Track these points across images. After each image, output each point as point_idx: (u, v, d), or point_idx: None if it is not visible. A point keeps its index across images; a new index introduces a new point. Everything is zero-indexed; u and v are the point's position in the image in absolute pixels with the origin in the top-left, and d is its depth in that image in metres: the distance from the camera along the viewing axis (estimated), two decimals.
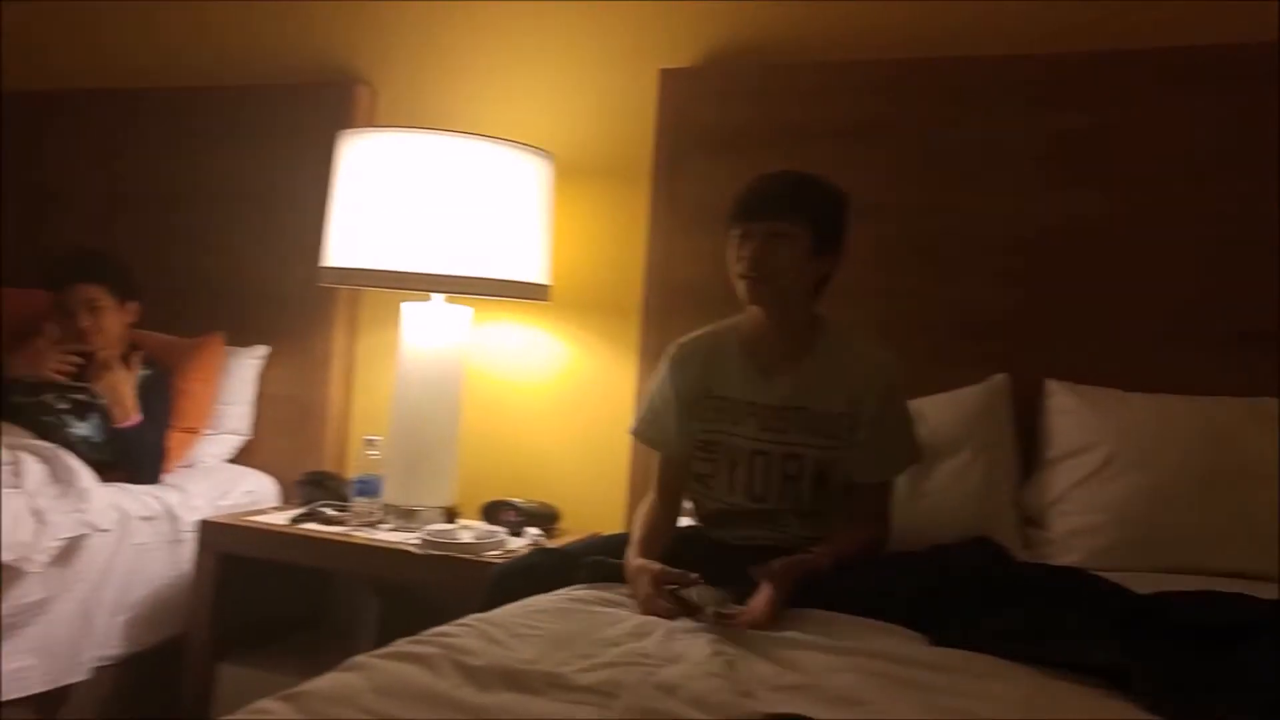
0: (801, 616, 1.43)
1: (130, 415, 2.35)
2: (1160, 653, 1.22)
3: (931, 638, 1.34)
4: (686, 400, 1.75)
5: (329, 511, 2.29)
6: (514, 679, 1.13)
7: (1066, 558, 1.79)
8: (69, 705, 2.13)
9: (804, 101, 2.28)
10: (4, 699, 1.96)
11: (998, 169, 2.14)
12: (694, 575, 1.48)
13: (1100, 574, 1.52)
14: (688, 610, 1.42)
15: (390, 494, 2.24)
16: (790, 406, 1.68)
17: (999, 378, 2.02)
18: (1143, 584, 1.49)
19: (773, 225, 1.63)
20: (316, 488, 2.43)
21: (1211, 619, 1.34)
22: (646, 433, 1.81)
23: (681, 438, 1.75)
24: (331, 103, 2.68)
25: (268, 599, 2.39)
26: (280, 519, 2.29)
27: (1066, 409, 1.97)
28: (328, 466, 2.61)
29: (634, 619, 1.39)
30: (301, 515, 2.29)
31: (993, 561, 1.63)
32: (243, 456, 2.69)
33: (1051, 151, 2.10)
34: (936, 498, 1.88)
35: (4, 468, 2.09)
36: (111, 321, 2.43)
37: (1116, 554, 1.78)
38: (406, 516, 2.22)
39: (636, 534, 1.66)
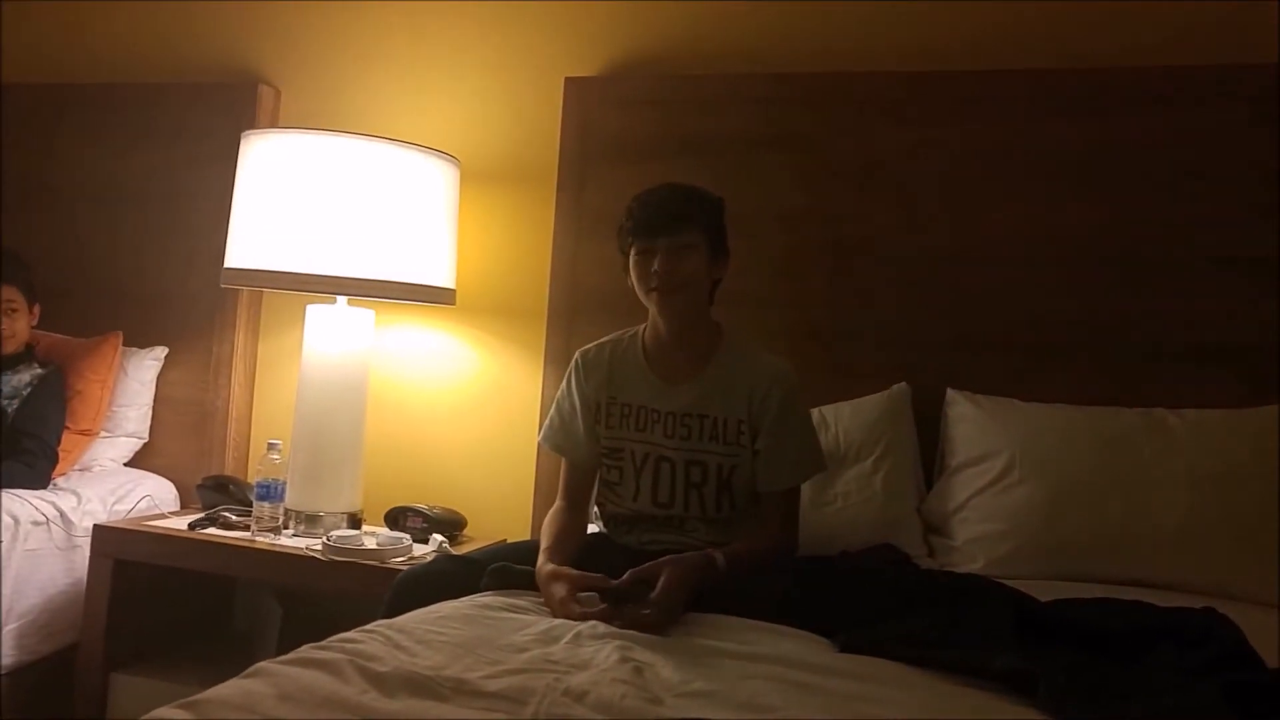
0: (707, 621, 1.45)
1: None
2: (1062, 659, 1.24)
3: (837, 643, 1.37)
4: (592, 407, 1.79)
5: (230, 516, 2.27)
6: (420, 685, 1.15)
7: (969, 565, 1.85)
8: None
9: (707, 112, 2.34)
10: None
11: (900, 180, 2.20)
12: (605, 579, 1.52)
13: (1001, 581, 1.57)
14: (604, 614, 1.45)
15: (293, 499, 2.23)
16: (693, 414, 1.73)
17: (900, 386, 2.07)
18: (1043, 591, 1.53)
19: (676, 238, 1.68)
20: (217, 492, 2.40)
21: (1112, 625, 1.37)
22: (553, 439, 1.85)
23: (588, 444, 1.80)
24: (234, 103, 2.65)
25: (166, 606, 2.34)
26: (179, 524, 2.26)
27: (966, 417, 2.02)
28: (229, 471, 2.58)
29: (540, 625, 1.42)
30: (201, 520, 2.26)
31: (896, 568, 1.70)
32: (140, 460, 2.63)
33: (954, 164, 2.17)
34: (841, 504, 1.93)
35: None
36: (22, 325, 2.41)
37: (1016, 562, 1.83)
38: (310, 522, 2.22)
39: (546, 540, 1.69)
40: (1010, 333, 2.12)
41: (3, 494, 2.19)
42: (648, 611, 1.44)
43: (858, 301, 2.22)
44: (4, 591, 2.13)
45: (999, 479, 1.92)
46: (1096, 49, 2.14)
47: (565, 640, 1.37)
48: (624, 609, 1.45)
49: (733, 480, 1.72)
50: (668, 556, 1.55)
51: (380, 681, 1.16)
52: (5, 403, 2.37)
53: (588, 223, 2.38)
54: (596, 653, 1.30)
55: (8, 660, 2.16)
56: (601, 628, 1.41)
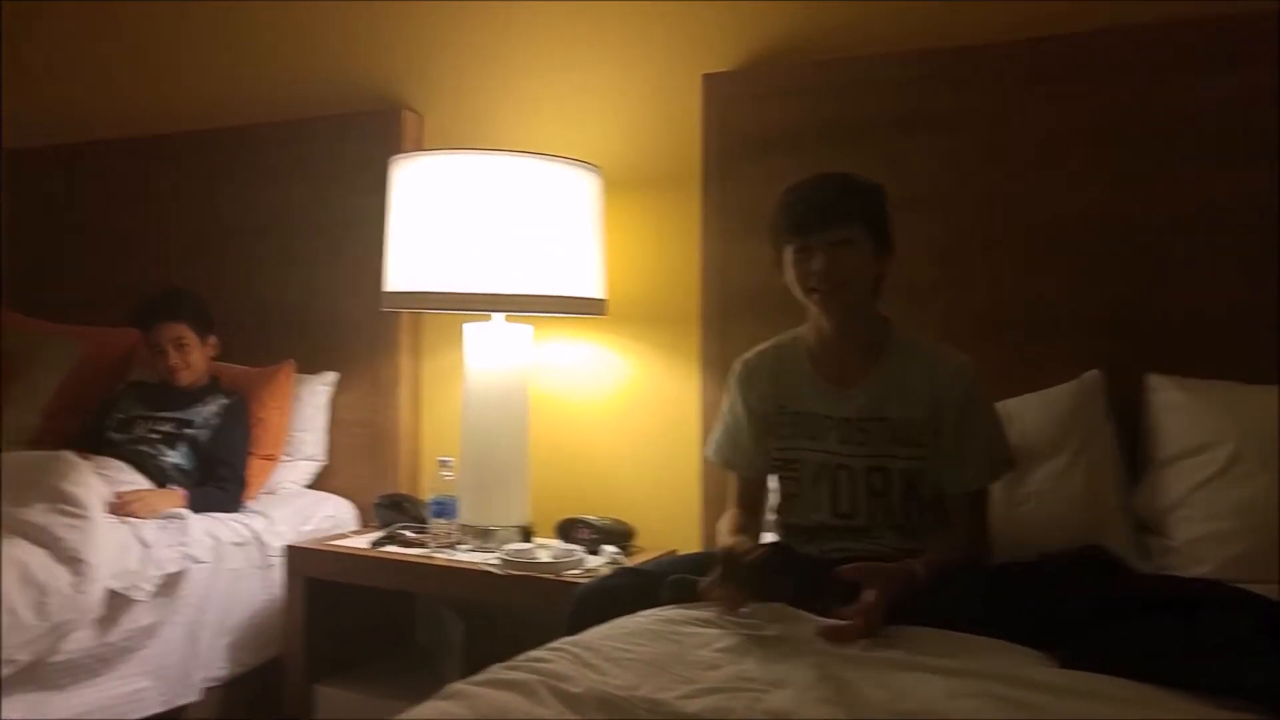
0: (906, 634, 1.38)
1: (174, 501, 2.36)
2: None
3: (1058, 657, 1.27)
4: (759, 418, 1.74)
5: (408, 534, 2.34)
6: (615, 706, 1.15)
7: (1194, 568, 1.68)
8: None
9: (852, 96, 2.25)
10: None
11: (1071, 153, 2.06)
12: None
13: (1238, 586, 1.43)
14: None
15: (466, 514, 2.28)
16: (869, 418, 1.65)
17: (1092, 374, 1.92)
18: None
19: (834, 234, 1.61)
20: (393, 510, 2.48)
21: None
22: (722, 454, 1.81)
23: (758, 457, 1.75)
24: (380, 130, 2.73)
25: (356, 620, 2.44)
26: (361, 542, 2.35)
27: (1175, 404, 1.85)
28: (402, 489, 2.66)
29: (728, 639, 1.39)
30: (382, 538, 2.34)
31: (1111, 572, 1.58)
32: (320, 481, 2.75)
33: (1131, 131, 2.01)
34: (1036, 504, 1.80)
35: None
36: (195, 357, 2.55)
37: (1251, 563, 1.64)
38: (483, 536, 2.26)
39: (727, 528, 1.67)
40: (1206, 310, 1.94)
41: (206, 518, 2.33)
42: (847, 622, 1.37)
43: (1029, 284, 2.08)
44: (215, 608, 2.27)
45: (1224, 471, 1.74)
46: None
47: (756, 655, 1.35)
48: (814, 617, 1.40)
49: (918, 484, 1.64)
50: (870, 565, 1.47)
51: (575, 703, 1.16)
52: (197, 432, 2.52)
53: (735, 221, 2.34)
54: (792, 669, 1.26)
55: (222, 671, 2.31)
56: (792, 643, 1.38)
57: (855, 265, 1.62)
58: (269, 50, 3.01)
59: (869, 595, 1.40)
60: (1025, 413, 1.89)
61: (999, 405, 1.77)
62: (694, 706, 1.15)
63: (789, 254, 1.65)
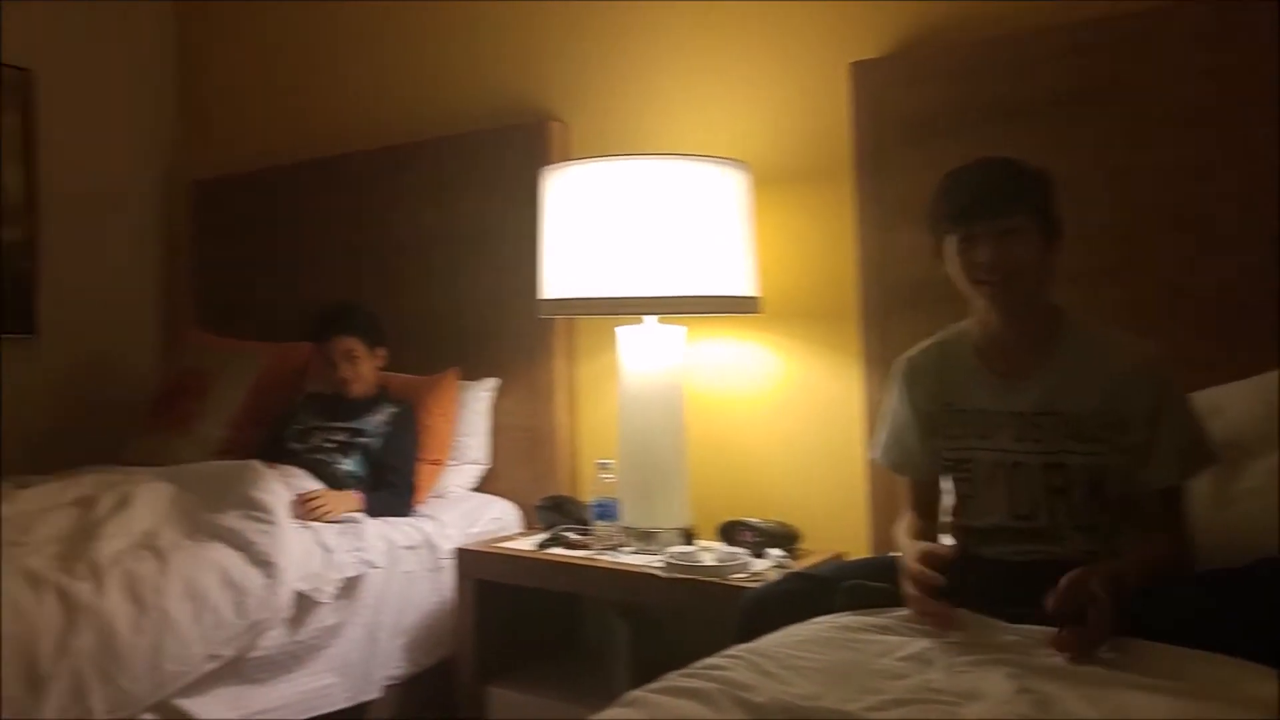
0: (1111, 644, 1.29)
1: (352, 503, 2.46)
2: None
3: None
4: (925, 418, 1.68)
5: (571, 536, 2.37)
6: (800, 717, 1.13)
7: None
8: None
9: (1009, 75, 2.14)
10: (314, 714, 2.19)
11: (1259, 118, 1.89)
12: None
13: None
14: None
15: (627, 516, 2.30)
16: (1044, 412, 1.56)
17: None
18: None
19: (1001, 222, 1.53)
20: (555, 512, 2.52)
21: None
22: (889, 456, 1.76)
23: (927, 458, 1.69)
24: (529, 142, 2.78)
25: (524, 622, 2.50)
26: (527, 544, 2.40)
27: None
28: (561, 490, 2.71)
29: (911, 647, 1.34)
30: (546, 540, 2.38)
31: None
32: (483, 485, 2.83)
33: None
34: (1250, 503, 1.64)
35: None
36: (366, 369, 2.66)
37: None
38: (645, 539, 2.27)
39: (906, 535, 1.63)
40: None
41: (380, 523, 2.44)
42: (1073, 630, 1.29)
43: (1219, 263, 1.93)
44: (391, 609, 2.37)
45: None
46: None
47: (941, 663, 1.29)
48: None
49: (1102, 481, 1.54)
50: (1079, 573, 1.35)
51: (758, 712, 1.15)
52: (369, 441, 2.64)
53: (891, 212, 2.27)
54: (983, 680, 1.20)
55: (399, 670, 2.41)
56: (980, 651, 1.32)
57: (1024, 255, 1.54)
58: (422, 72, 3.12)
59: (1101, 602, 1.30)
60: (1232, 403, 1.73)
61: (1199, 395, 1.63)
62: (881, 718, 1.11)
63: (952, 244, 1.58)
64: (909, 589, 1.46)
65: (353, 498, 2.47)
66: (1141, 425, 1.52)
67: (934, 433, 1.67)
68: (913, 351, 1.73)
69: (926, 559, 1.47)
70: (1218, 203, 1.94)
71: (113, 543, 2.04)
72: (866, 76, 2.33)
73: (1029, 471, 1.57)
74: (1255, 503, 1.64)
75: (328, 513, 2.36)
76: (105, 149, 3.51)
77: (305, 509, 2.34)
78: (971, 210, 1.55)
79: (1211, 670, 1.20)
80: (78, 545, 2.03)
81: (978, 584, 1.46)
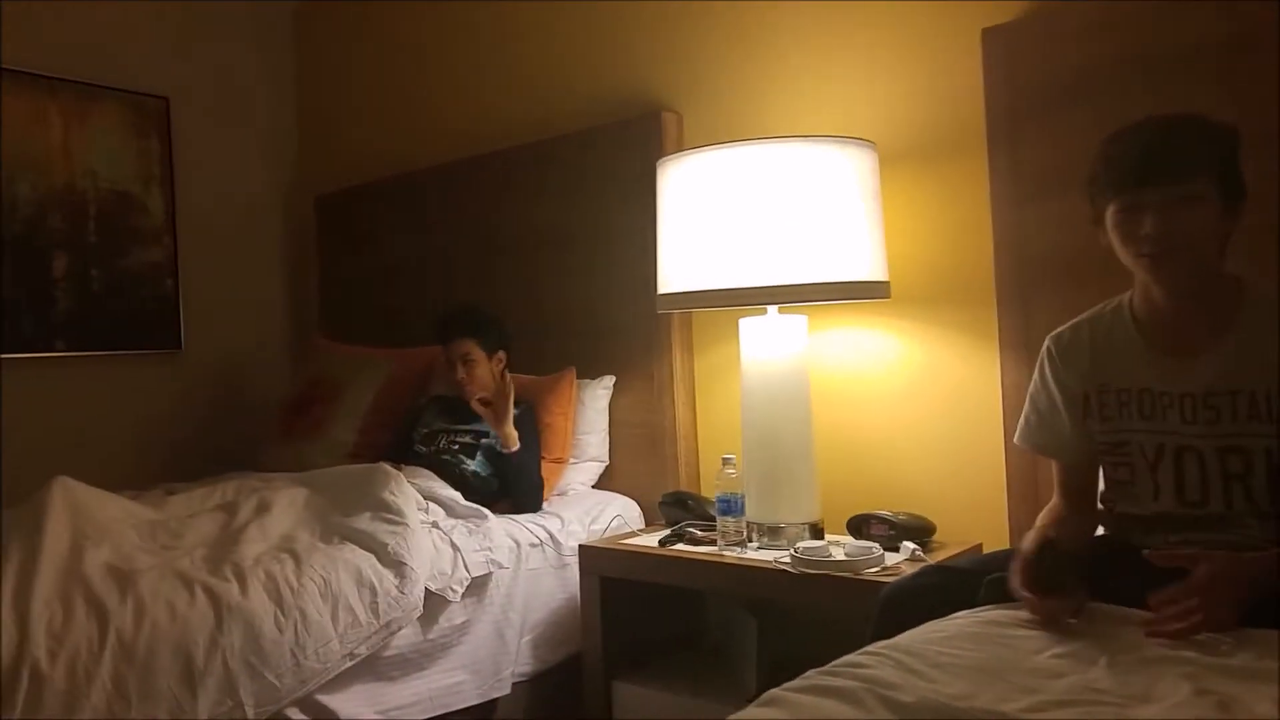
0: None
1: (512, 444, 2.54)
2: None
3: None
4: (1078, 400, 1.56)
5: (695, 532, 2.33)
6: (953, 718, 1.05)
7: None
8: (496, 718, 2.35)
9: (1152, 26, 1.97)
10: (446, 711, 2.22)
11: None
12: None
13: None
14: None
15: (753, 511, 2.24)
16: (1220, 391, 1.43)
17: None
18: None
19: (1173, 189, 1.38)
20: (677, 508, 2.48)
21: None
22: (1033, 438, 1.65)
23: (1077, 441, 1.58)
24: (643, 136, 2.75)
25: (650, 618, 2.47)
26: (650, 541, 2.36)
27: None
28: (683, 486, 2.67)
29: (1065, 644, 1.25)
30: (669, 536, 2.34)
31: None
32: (604, 482, 2.82)
33: None
34: None
35: (420, 510, 2.34)
36: (483, 371, 2.68)
37: None
38: (772, 534, 2.20)
39: (1040, 523, 1.53)
40: None
41: (505, 521, 2.45)
42: (1169, 615, 1.22)
43: None
44: (518, 607, 2.38)
45: None
46: None
47: (1102, 662, 1.19)
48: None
49: None
50: (1208, 552, 1.29)
51: (907, 713, 1.07)
52: (493, 442, 2.64)
53: (1030, 183, 2.13)
54: (1155, 680, 1.10)
55: (527, 667, 2.41)
56: (1147, 648, 1.21)
57: (1196, 226, 1.40)
58: (531, 72, 3.13)
59: (1194, 579, 1.23)
60: None
61: None
62: None
63: (1112, 213, 1.46)
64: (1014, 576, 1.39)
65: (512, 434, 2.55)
66: None
67: (1087, 414, 1.56)
68: (1062, 329, 1.62)
69: (1036, 549, 1.40)
70: None
71: (254, 546, 2.11)
72: (999, 42, 2.20)
73: (1201, 456, 1.45)
74: None
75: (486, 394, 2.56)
76: (235, 168, 3.68)
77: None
78: (1137, 176, 1.42)
79: None
80: (223, 548, 2.10)
81: (1134, 576, 1.35)
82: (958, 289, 2.30)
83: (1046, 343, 1.63)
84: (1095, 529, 1.59)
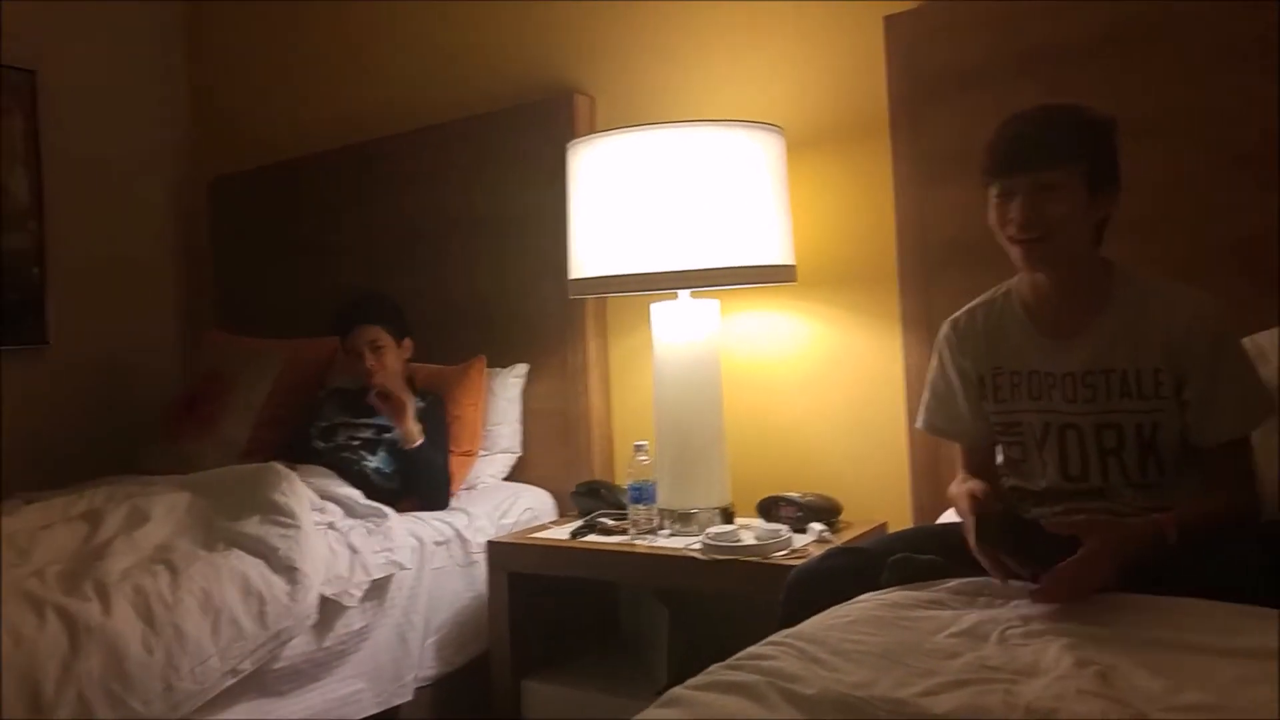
0: (1166, 606, 1.22)
1: (414, 438, 2.45)
2: None
3: None
4: (974, 382, 1.60)
5: (608, 522, 2.29)
6: (853, 709, 1.03)
7: None
8: None
9: (1049, 19, 2.02)
10: None
11: None
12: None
13: None
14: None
15: (665, 498, 2.21)
16: (1096, 370, 1.48)
17: None
18: None
19: (1038, 176, 1.43)
20: (591, 498, 2.44)
21: None
22: (934, 422, 1.68)
23: (977, 422, 1.61)
24: (553, 118, 2.68)
25: (560, 613, 2.42)
26: (561, 533, 2.32)
27: None
28: (598, 475, 2.62)
29: (963, 621, 1.26)
30: (581, 528, 2.30)
31: None
32: (516, 473, 2.75)
33: None
34: None
35: (315, 509, 2.22)
36: (391, 359, 2.57)
37: None
38: (684, 520, 2.18)
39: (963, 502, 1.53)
40: None
41: (409, 519, 2.35)
42: (1054, 580, 1.26)
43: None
44: (422, 608, 2.30)
45: None
46: None
47: (994, 637, 1.20)
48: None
49: (1156, 440, 1.46)
50: (1090, 518, 1.35)
51: (809, 706, 1.05)
52: (396, 436, 2.55)
53: (931, 169, 2.15)
54: (1040, 653, 1.12)
55: (431, 671, 2.33)
56: (1035, 621, 1.22)
57: (1062, 212, 1.44)
58: (439, 53, 3.03)
59: (1082, 552, 1.27)
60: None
61: (1248, 341, 1.54)
62: (941, 707, 1.01)
63: (990, 198, 1.50)
64: (970, 535, 1.41)
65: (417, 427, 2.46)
66: (1200, 378, 1.44)
67: (983, 398, 1.60)
68: (958, 314, 1.66)
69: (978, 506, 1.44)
70: (1261, 141, 1.81)
71: (121, 559, 1.95)
72: (900, 30, 2.22)
73: (1080, 432, 1.50)
74: None
75: (383, 384, 2.45)
76: (114, 147, 3.41)
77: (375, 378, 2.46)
78: (1005, 161, 1.47)
79: (1265, 626, 1.11)
80: (83, 563, 1.93)
81: (1029, 547, 1.38)
82: (863, 273, 2.31)
83: (943, 328, 1.66)
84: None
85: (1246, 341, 1.63)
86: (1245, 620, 1.15)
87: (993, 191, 1.49)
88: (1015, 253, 1.49)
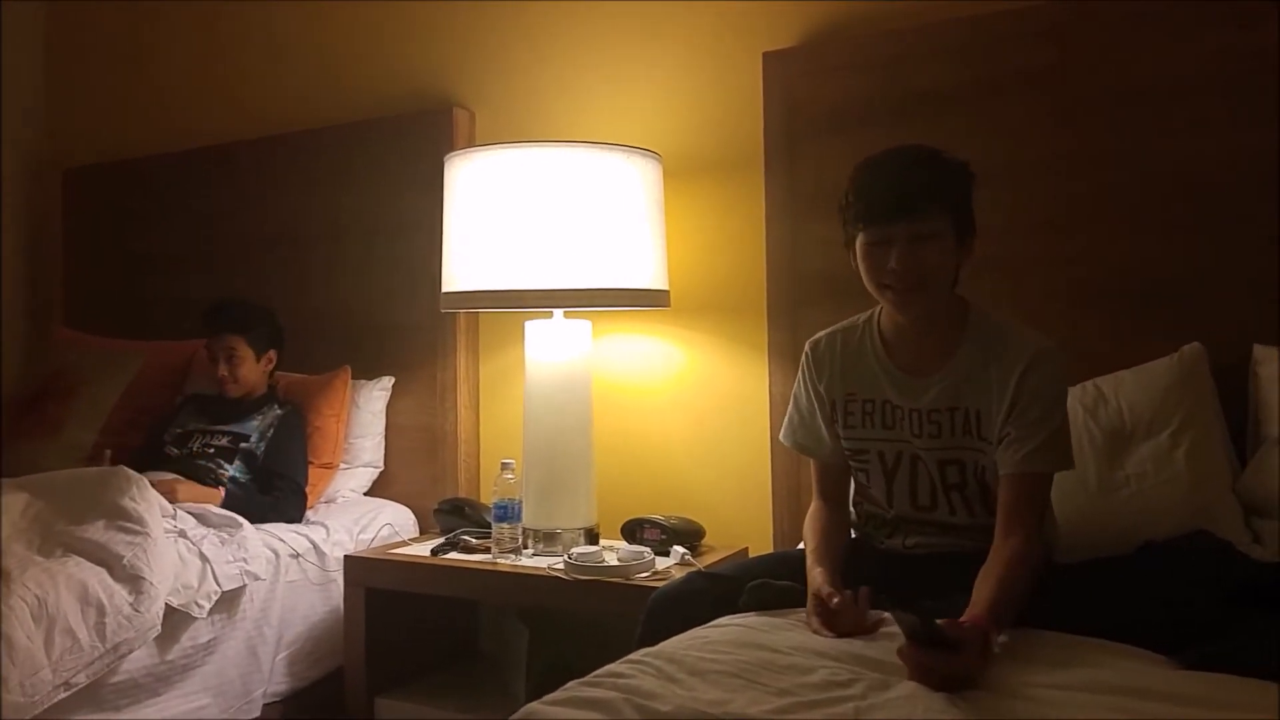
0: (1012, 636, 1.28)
1: (213, 496, 2.36)
2: None
3: (1179, 659, 1.17)
4: (827, 404, 1.62)
5: (470, 540, 2.27)
6: None
7: None
8: None
9: (917, 67, 2.13)
10: None
11: (1157, 109, 1.91)
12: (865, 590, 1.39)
13: None
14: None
15: (530, 518, 2.21)
16: (941, 408, 1.52)
17: (1192, 346, 1.77)
18: None
19: (918, 226, 1.44)
20: (454, 515, 2.41)
21: None
22: (794, 437, 1.70)
23: (832, 441, 1.64)
24: (431, 130, 2.66)
25: (418, 630, 2.38)
26: (422, 550, 2.28)
27: None
28: (463, 493, 2.60)
29: (816, 643, 1.30)
30: (442, 545, 2.27)
31: (1223, 560, 1.44)
32: (378, 488, 2.70)
33: (1219, 81, 1.86)
34: (1136, 487, 1.66)
35: (166, 518, 2.13)
36: (248, 370, 2.51)
37: None
38: (548, 540, 2.18)
39: (811, 543, 1.56)
40: None
41: (264, 532, 2.28)
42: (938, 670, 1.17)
43: (1133, 254, 1.93)
44: (274, 622, 2.22)
45: None
46: None
47: (849, 658, 1.25)
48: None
49: (992, 480, 1.49)
50: (969, 629, 1.23)
51: None
52: (253, 445, 2.47)
53: (803, 204, 2.23)
54: (893, 671, 1.17)
55: (282, 686, 2.25)
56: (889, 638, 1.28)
57: (937, 261, 1.46)
58: (315, 57, 2.97)
59: (973, 650, 1.18)
60: (1120, 390, 1.76)
61: (1088, 385, 1.66)
62: None
63: (860, 243, 1.49)
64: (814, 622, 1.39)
65: (213, 493, 2.34)
66: (1018, 412, 1.45)
67: (834, 420, 1.62)
68: (818, 336, 1.67)
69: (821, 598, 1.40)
70: (1124, 195, 1.95)
71: None
72: (779, 66, 2.30)
73: (927, 466, 1.54)
74: (1141, 487, 1.66)
75: (173, 495, 2.23)
76: None
77: (164, 490, 2.22)
78: (884, 211, 1.45)
79: (1105, 659, 1.19)
80: None
81: (874, 573, 1.43)
82: (733, 301, 2.37)
83: (806, 347, 1.68)
84: (848, 526, 1.66)
85: (1089, 384, 1.77)
86: (1076, 651, 1.22)
87: (862, 237, 1.48)
88: (888, 298, 1.49)
